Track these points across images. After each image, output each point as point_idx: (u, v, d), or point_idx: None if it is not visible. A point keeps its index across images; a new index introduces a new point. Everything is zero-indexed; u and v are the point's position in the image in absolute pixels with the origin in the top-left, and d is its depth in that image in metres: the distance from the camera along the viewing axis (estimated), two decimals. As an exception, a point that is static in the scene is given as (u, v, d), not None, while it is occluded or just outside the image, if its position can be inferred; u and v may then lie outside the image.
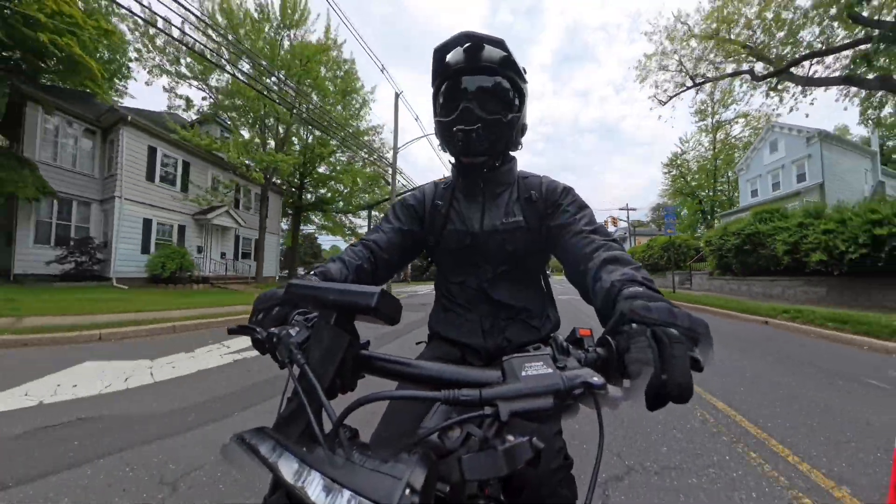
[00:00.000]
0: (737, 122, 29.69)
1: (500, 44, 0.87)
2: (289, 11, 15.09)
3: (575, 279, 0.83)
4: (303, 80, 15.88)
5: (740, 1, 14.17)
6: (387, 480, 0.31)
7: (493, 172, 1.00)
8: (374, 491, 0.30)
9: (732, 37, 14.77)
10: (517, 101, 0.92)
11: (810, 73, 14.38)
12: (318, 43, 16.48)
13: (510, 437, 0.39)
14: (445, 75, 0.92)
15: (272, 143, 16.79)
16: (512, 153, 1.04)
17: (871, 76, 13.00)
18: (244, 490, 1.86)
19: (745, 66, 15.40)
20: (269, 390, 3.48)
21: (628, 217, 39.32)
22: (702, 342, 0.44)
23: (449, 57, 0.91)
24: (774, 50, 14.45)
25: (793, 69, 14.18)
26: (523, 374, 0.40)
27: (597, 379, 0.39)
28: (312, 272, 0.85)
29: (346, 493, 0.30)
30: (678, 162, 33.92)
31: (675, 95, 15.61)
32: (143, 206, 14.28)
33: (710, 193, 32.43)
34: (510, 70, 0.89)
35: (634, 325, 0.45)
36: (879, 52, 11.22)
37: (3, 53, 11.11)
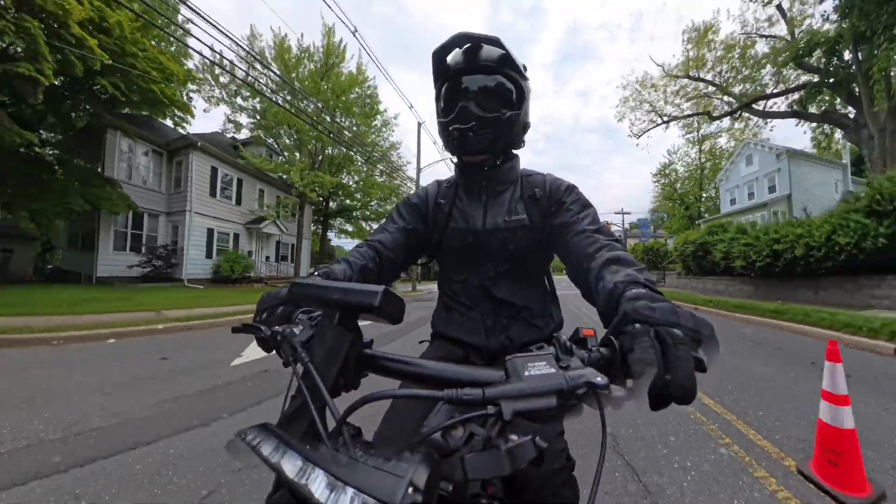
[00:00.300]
0: (721, 136, 32.50)
1: (497, 42, 0.88)
2: (331, 53, 17.84)
3: (577, 278, 0.83)
4: (338, 109, 18.62)
5: (706, 47, 17.00)
6: (390, 479, 0.31)
7: (494, 171, 1.00)
8: (377, 489, 0.30)
9: (701, 75, 17.57)
10: (517, 99, 0.93)
11: (769, 105, 17.20)
12: (351, 74, 19.17)
13: (513, 437, 0.39)
14: (446, 76, 0.94)
15: (298, 156, 19.51)
16: (514, 151, 1.04)
17: (817, 111, 15.87)
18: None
19: (715, 100, 18.20)
20: (394, 332, 5.86)
21: (623, 221, 41.68)
22: (706, 343, 0.44)
23: (449, 58, 0.93)
24: (739, 87, 17.27)
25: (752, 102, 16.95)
26: (526, 373, 0.40)
27: (600, 379, 0.39)
28: (316, 272, 0.84)
29: (350, 491, 0.31)
30: (666, 171, 36.84)
31: (647, 130, 19.06)
32: (208, 218, 16.88)
33: (697, 200, 35.26)
34: (509, 68, 0.91)
35: (638, 325, 0.45)
36: (810, 98, 14.05)
37: (95, 88, 13.38)
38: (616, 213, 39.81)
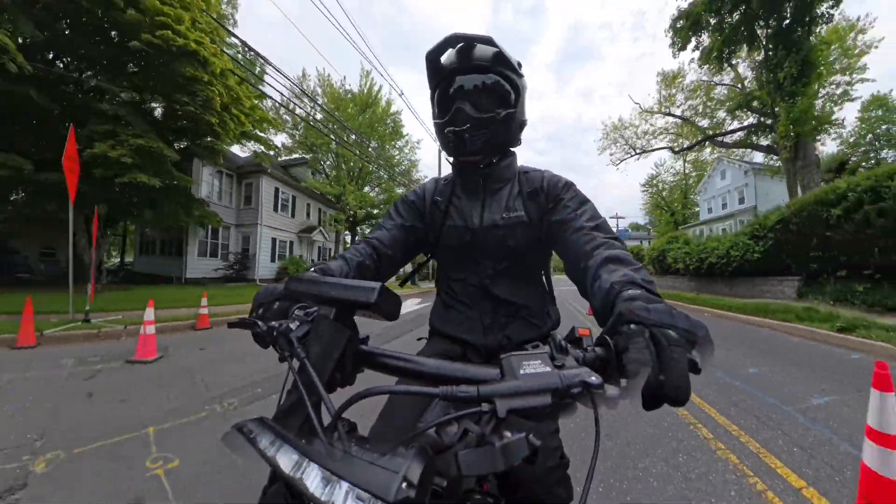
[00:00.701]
0: (704, 149, 36.40)
1: (489, 41, 0.89)
2: (370, 96, 22.08)
3: (574, 276, 0.83)
4: (371, 137, 22.81)
5: (676, 87, 21.02)
6: (384, 473, 0.32)
7: (491, 169, 1.01)
8: (372, 483, 0.31)
9: (672, 111, 21.50)
10: (513, 97, 0.93)
11: (727, 137, 21.11)
12: (381, 108, 23.32)
13: (507, 434, 0.39)
14: (440, 77, 0.94)
15: (336, 174, 23.47)
16: (511, 149, 1.04)
17: (764, 143, 19.81)
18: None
19: (684, 128, 22.15)
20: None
21: (617, 226, 45.11)
22: (701, 345, 0.44)
23: (443, 59, 0.93)
24: (704, 121, 21.24)
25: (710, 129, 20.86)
26: (522, 371, 0.40)
27: (595, 378, 0.39)
28: (312, 269, 0.84)
29: (344, 485, 0.31)
30: (654, 182, 40.79)
31: (623, 160, 25.34)
32: (272, 229, 20.76)
33: (683, 208, 39.16)
34: (503, 66, 0.91)
35: (633, 325, 0.46)
36: (750, 136, 17.95)
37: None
38: (611, 217, 42.81)
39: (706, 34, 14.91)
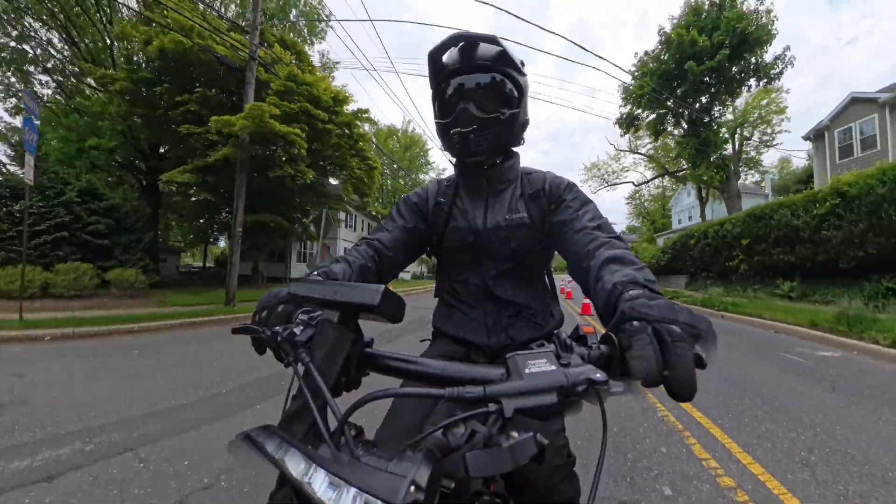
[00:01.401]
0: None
1: (493, 40, 0.89)
2: (411, 138, 30.42)
3: (577, 276, 0.84)
4: (410, 169, 30.97)
5: (643, 133, 28.54)
6: (392, 478, 0.32)
7: (495, 169, 1.01)
8: (380, 488, 0.31)
9: (640, 149, 29.05)
10: (516, 96, 0.93)
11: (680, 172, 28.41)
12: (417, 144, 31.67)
13: (514, 434, 0.39)
14: (442, 76, 0.94)
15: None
16: (514, 149, 1.05)
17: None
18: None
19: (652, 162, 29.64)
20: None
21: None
22: (704, 339, 0.44)
23: (445, 58, 0.93)
24: (667, 159, 28.67)
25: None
26: (527, 371, 0.41)
27: (600, 375, 0.40)
28: (315, 272, 0.84)
29: (352, 491, 0.31)
30: (636, 195, 48.01)
31: (598, 189, 34.49)
32: (345, 241, 28.71)
33: (662, 217, 46.25)
34: (506, 65, 0.90)
35: (635, 322, 0.46)
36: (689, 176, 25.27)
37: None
38: (604, 223, 49.93)
39: (645, 112, 22.17)
